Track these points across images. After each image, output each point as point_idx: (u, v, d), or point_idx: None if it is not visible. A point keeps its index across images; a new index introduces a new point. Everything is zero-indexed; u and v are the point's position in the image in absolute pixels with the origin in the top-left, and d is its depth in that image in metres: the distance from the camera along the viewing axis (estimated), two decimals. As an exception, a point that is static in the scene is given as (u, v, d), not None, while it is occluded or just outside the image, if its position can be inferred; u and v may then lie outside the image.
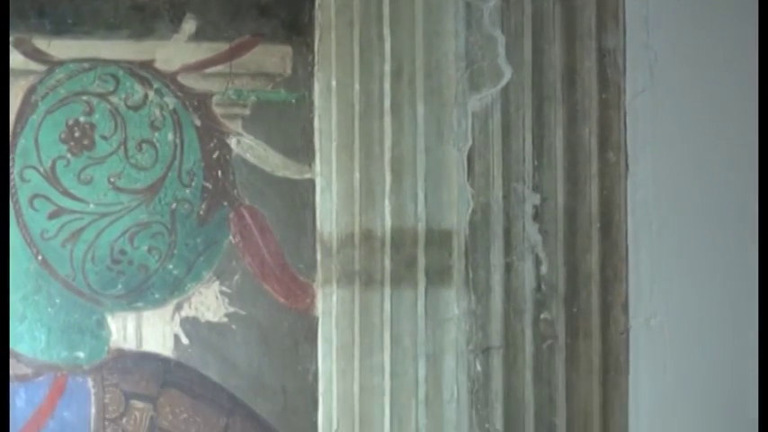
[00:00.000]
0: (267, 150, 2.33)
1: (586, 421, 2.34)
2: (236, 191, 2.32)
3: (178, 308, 2.31)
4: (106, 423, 2.29)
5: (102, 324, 2.30)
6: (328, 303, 2.33)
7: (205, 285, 2.32)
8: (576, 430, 2.34)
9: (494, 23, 2.36)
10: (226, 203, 2.32)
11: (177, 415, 2.30)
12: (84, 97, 2.30)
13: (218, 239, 2.32)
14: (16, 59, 2.28)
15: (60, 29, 2.30)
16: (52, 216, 2.29)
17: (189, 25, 2.32)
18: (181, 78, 2.32)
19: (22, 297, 2.28)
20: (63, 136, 2.29)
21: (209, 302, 2.32)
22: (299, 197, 2.33)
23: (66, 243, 2.29)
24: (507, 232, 2.35)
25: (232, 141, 2.33)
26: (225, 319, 2.32)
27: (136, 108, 2.31)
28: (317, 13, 2.34)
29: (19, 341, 2.28)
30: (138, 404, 2.30)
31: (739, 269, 2.34)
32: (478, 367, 2.33)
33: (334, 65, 2.34)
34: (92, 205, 2.29)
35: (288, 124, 2.34)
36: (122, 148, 2.30)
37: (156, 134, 2.31)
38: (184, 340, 2.31)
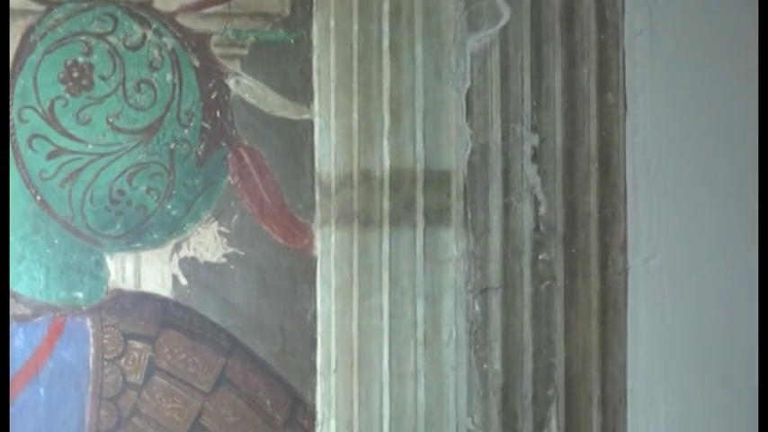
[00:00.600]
0: (266, 91, 2.33)
1: (585, 362, 2.34)
2: (234, 131, 2.32)
3: (177, 248, 2.31)
4: (105, 363, 2.29)
5: (100, 264, 2.30)
6: (327, 244, 2.32)
7: (204, 226, 2.32)
8: (574, 371, 2.34)
9: (492, -36, 2.36)
10: (224, 144, 2.32)
11: (176, 355, 2.30)
12: (83, 37, 2.29)
13: (217, 180, 2.32)
14: (15, -1, 2.29)
15: (59, -32, 2.30)
16: (51, 156, 2.29)
17: (187, -35, 2.32)
18: (179, 18, 2.31)
19: (20, 237, 2.28)
20: (61, 76, 2.29)
21: (207, 243, 2.31)
22: (298, 137, 2.33)
23: (64, 183, 2.29)
24: (506, 173, 2.35)
25: (231, 82, 2.33)
26: (223, 260, 2.31)
27: (134, 48, 2.31)
28: (316, -46, 2.35)
29: (17, 281, 2.27)
30: (137, 344, 2.29)
31: (738, 209, 2.33)
32: (477, 308, 2.33)
33: (333, 5, 2.33)
34: (90, 145, 2.29)
35: (286, 65, 2.33)
36: (121, 88, 2.30)
37: (155, 74, 2.31)
38: (183, 281, 2.31)
